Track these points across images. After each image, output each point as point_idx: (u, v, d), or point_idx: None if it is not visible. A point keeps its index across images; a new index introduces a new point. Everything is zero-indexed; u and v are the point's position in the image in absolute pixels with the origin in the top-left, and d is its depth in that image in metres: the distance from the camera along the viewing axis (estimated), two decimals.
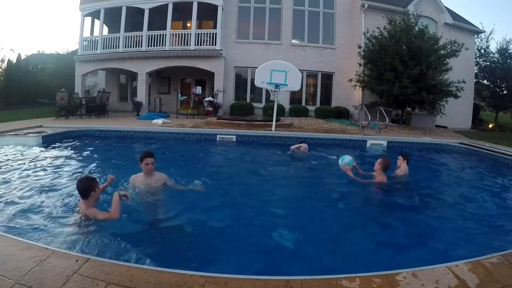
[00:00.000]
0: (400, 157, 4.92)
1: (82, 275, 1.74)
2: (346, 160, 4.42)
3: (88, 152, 6.18)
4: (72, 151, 6.13)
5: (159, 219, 3.17)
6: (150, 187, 3.46)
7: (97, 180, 2.90)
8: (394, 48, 11.43)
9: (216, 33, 13.31)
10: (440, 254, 2.59)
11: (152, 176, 3.50)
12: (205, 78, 15.29)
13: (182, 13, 13.94)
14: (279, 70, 8.87)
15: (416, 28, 11.94)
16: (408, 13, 12.59)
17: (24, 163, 4.82)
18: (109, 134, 7.89)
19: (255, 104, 13.98)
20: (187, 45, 13.33)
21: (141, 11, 13.55)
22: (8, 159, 5.03)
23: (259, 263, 2.43)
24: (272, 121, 9.28)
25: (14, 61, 20.98)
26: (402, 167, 4.82)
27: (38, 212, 2.98)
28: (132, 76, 15.76)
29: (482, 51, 18.17)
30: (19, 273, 1.72)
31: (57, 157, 5.46)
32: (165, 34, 13.38)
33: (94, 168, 4.83)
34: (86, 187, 2.70)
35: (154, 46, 13.49)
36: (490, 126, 16.42)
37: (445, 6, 14.77)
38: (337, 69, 14.72)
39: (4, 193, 3.46)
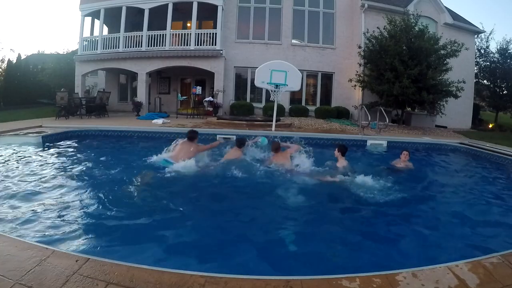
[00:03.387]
0: (405, 152, 5.52)
1: (82, 275, 1.74)
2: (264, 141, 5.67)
3: (88, 151, 6.18)
4: (72, 151, 6.12)
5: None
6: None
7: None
8: (394, 48, 11.42)
9: (216, 33, 13.30)
10: (440, 254, 2.59)
11: None
12: (205, 78, 15.28)
13: (182, 13, 13.93)
14: (279, 70, 8.85)
15: (416, 28, 11.93)
16: (408, 13, 12.59)
17: (23, 163, 4.82)
18: (109, 134, 7.88)
19: (255, 104, 13.97)
20: (187, 45, 13.32)
21: (141, 11, 13.53)
22: (8, 159, 5.02)
23: (259, 263, 2.42)
24: (272, 121, 9.28)
25: (14, 61, 21.00)
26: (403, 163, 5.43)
27: (38, 212, 2.98)
28: (132, 76, 15.75)
29: (482, 51, 18.14)
30: (19, 273, 1.72)
31: (57, 157, 5.47)
32: (165, 34, 13.37)
33: (94, 167, 4.82)
34: (193, 135, 4.96)
35: (154, 46, 13.47)
36: (490, 126, 16.42)
37: (445, 6, 14.75)
38: (337, 69, 14.71)
39: (4, 193, 3.45)
